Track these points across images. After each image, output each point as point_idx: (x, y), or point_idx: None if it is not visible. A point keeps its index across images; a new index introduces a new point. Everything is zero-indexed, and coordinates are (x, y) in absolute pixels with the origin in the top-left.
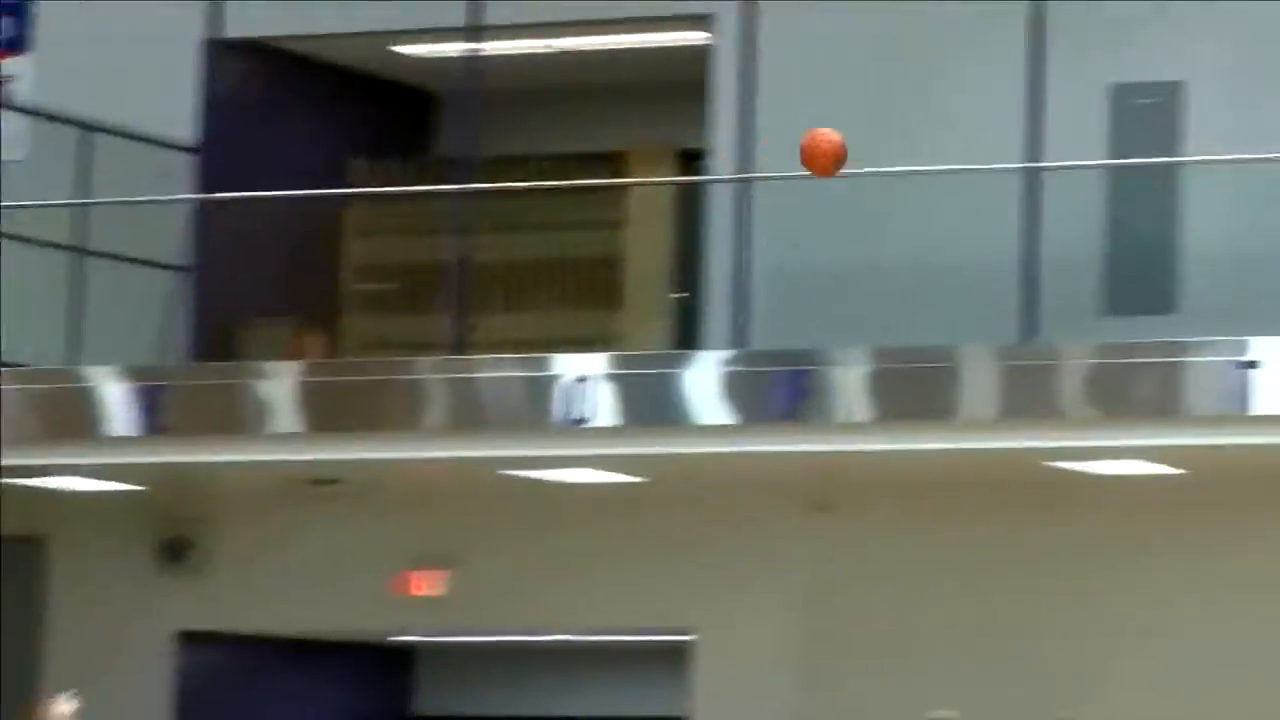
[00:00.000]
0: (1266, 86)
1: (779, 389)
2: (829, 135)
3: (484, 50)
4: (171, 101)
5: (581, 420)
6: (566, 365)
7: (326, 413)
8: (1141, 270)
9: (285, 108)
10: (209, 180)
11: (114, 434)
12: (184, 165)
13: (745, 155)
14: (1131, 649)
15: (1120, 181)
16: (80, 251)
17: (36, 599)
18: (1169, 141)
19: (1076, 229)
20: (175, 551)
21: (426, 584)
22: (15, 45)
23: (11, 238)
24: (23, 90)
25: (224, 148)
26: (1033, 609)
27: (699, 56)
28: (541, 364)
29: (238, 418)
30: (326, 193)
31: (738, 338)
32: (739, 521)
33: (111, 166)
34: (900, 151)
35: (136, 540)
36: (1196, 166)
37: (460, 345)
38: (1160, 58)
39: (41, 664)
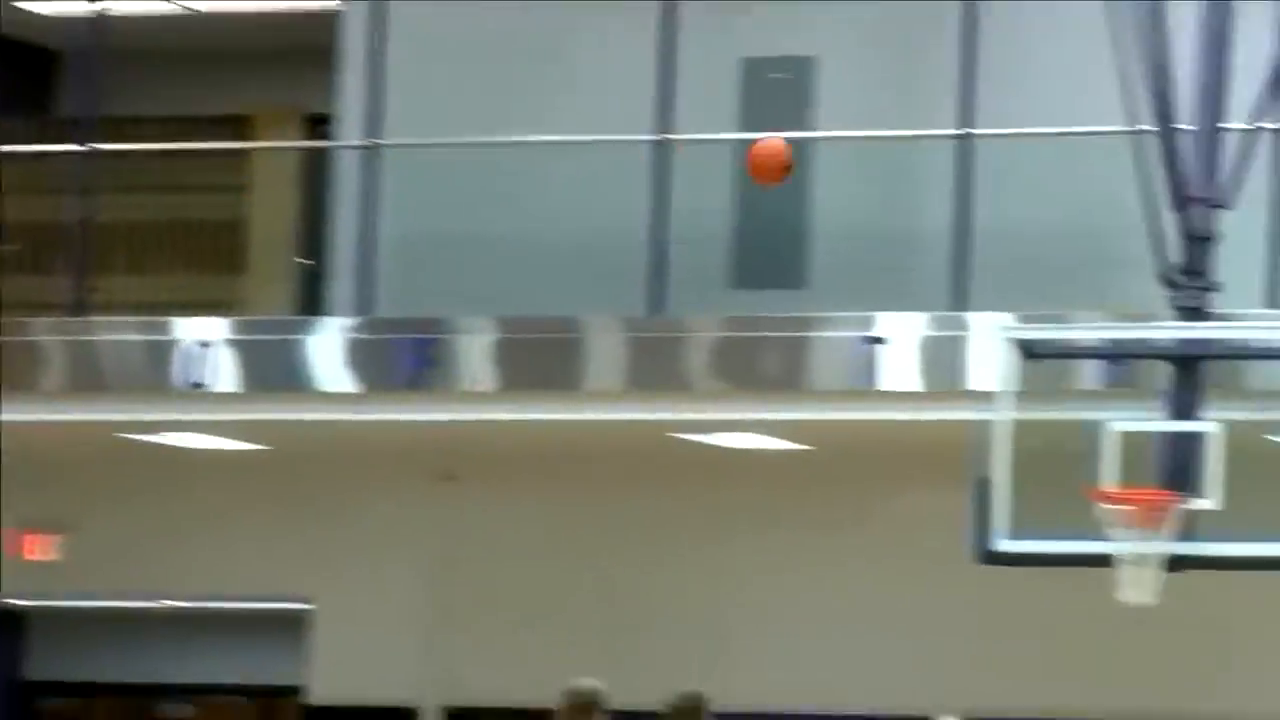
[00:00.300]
0: (895, 64)
1: (403, 357)
2: (772, 147)
3: (110, 9)
4: None
5: (201, 385)
6: (188, 329)
7: None
8: (770, 245)
9: None
10: None
11: None
12: None
13: (373, 121)
14: (757, 621)
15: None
16: None
17: None
18: (799, 116)
19: (706, 202)
20: None
21: (39, 547)
22: None
23: None
24: None
25: None
26: (659, 580)
27: (328, 21)
28: (162, 327)
29: None
30: None
31: (363, 305)
32: (363, 490)
33: None
34: (530, 120)
35: None
36: (826, 142)
37: (80, 307)
38: (792, 33)
39: None
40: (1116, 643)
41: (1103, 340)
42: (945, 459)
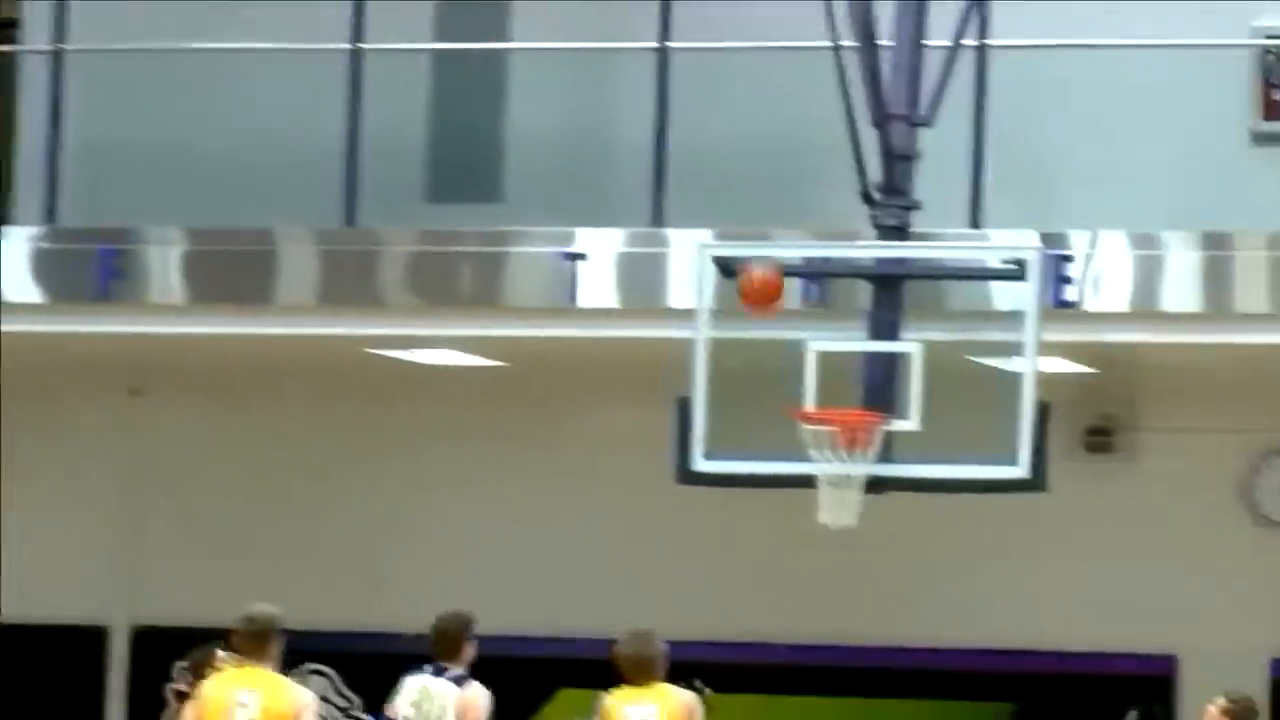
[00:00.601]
0: None
1: (90, 268)
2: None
3: None
4: None
5: None
6: None
7: None
8: (465, 158)
9: None
10: None
11: None
12: None
13: (59, 27)
14: (452, 539)
15: (446, 66)
16: None
17: None
18: (498, 27)
19: (400, 114)
20: None
21: None
22: None
23: None
24: None
25: None
26: (353, 498)
27: None
28: None
29: None
30: None
31: (48, 214)
32: (51, 404)
33: None
34: (223, 28)
35: None
36: (523, 53)
37: None
38: None
39: None
40: (817, 565)
41: (803, 258)
42: (645, 377)
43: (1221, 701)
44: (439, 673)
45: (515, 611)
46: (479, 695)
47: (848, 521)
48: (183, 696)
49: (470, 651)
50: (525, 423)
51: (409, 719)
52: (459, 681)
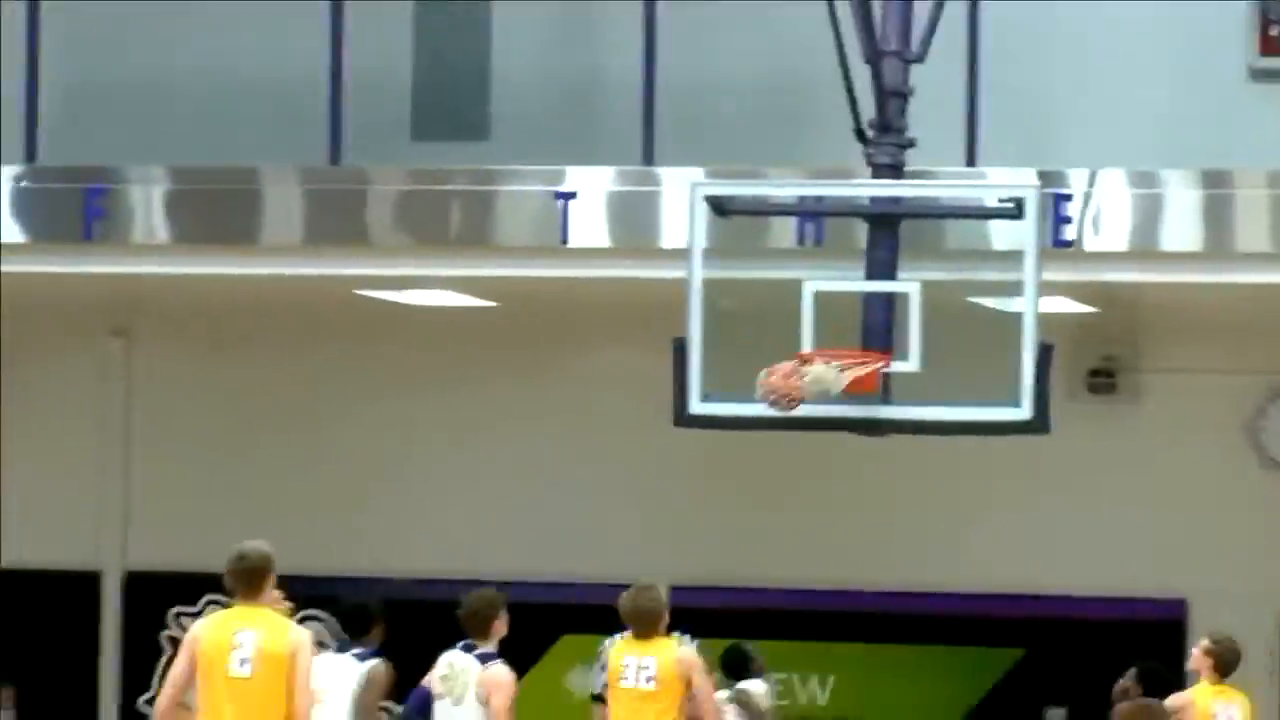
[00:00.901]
0: None
1: (73, 208)
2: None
3: None
4: None
5: None
6: None
7: None
8: (452, 96)
9: None
10: None
11: None
12: None
13: None
14: (441, 481)
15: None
16: None
17: None
18: None
19: (385, 49)
20: None
21: None
22: None
23: None
24: None
25: None
26: (341, 440)
27: None
28: None
29: None
30: None
31: (30, 152)
32: (36, 346)
33: None
34: None
35: None
36: None
37: None
38: None
39: None
40: (822, 510)
41: (798, 197)
42: (638, 317)
43: (1205, 643)
44: (468, 649)
45: (510, 556)
46: (501, 674)
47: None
48: (178, 644)
49: (501, 628)
50: (517, 364)
51: (439, 694)
52: (484, 660)
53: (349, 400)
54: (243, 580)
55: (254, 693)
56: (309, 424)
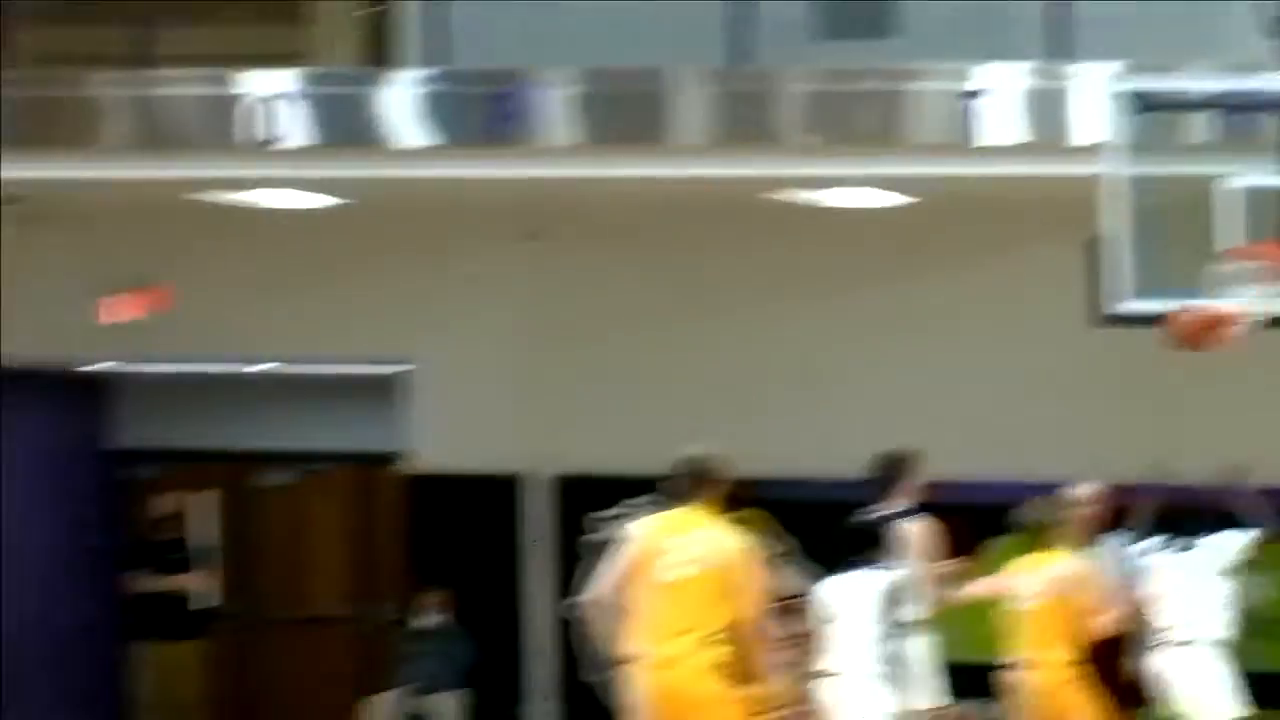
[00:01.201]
0: None
1: (481, 110)
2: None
3: None
4: None
5: (270, 141)
6: (253, 82)
7: None
8: None
9: None
10: None
11: None
12: None
13: None
14: (860, 381)
15: None
16: None
17: None
18: None
19: None
20: None
21: (123, 309)
22: None
23: None
24: None
25: None
26: (762, 342)
27: None
28: (227, 81)
29: None
30: None
31: (436, 55)
32: (448, 249)
33: None
34: None
35: None
36: None
37: (140, 59)
38: None
39: None
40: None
41: (1215, 91)
42: (1050, 215)
43: None
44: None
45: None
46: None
47: None
48: (598, 547)
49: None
50: (929, 265)
51: None
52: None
53: (747, 298)
54: (685, 484)
55: (692, 595)
56: (724, 326)
